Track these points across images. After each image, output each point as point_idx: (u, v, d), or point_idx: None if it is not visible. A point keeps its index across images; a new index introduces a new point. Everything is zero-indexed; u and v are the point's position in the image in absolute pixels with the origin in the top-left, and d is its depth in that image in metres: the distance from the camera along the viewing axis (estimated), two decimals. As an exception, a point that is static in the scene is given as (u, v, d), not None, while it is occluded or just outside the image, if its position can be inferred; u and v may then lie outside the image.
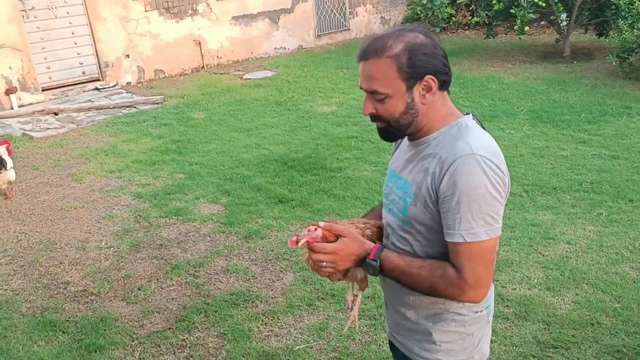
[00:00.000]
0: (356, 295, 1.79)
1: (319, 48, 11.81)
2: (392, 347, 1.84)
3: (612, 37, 9.22)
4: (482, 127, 1.56)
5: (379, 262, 1.53)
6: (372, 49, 1.52)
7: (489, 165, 1.44)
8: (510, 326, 3.23)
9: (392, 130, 1.57)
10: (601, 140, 5.86)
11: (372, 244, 1.56)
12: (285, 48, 11.68)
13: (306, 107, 7.82)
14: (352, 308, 1.78)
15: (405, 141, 1.69)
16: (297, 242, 1.49)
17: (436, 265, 1.51)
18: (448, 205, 1.45)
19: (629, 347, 3.02)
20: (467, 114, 1.59)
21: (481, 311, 1.63)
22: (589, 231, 4.19)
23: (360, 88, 1.56)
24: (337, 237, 1.54)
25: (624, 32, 7.90)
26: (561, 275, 3.67)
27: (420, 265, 1.52)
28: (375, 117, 1.56)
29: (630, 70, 8.05)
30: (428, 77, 1.50)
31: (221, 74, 10.19)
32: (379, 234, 1.71)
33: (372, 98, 1.54)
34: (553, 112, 6.84)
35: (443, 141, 1.52)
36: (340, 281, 1.66)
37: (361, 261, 1.55)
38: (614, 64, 8.20)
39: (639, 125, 6.19)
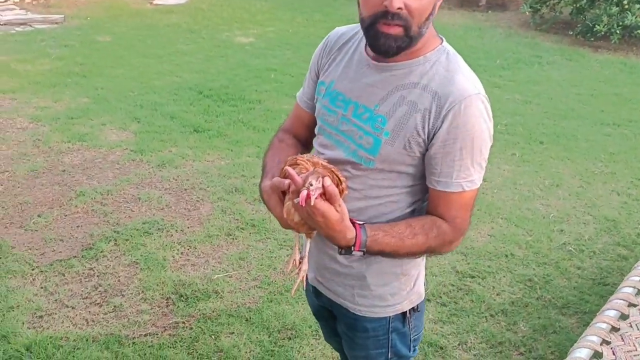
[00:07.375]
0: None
1: (235, -22, 11.21)
2: (317, 293, 1.58)
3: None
4: None
5: (365, 251, 1.25)
6: None
7: (488, 106, 1.28)
8: (428, 257, 3.26)
9: (404, 40, 1.23)
10: (515, 86, 6.04)
11: (353, 229, 1.22)
12: (199, -25, 10.97)
13: (222, 37, 7.43)
14: (300, 263, 1.37)
15: (355, 56, 1.38)
16: (308, 198, 1.11)
17: (427, 224, 1.30)
18: (447, 151, 1.24)
19: (539, 276, 3.15)
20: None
21: None
22: (504, 170, 4.32)
23: None
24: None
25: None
26: (478, 210, 3.75)
27: (412, 233, 1.28)
28: (397, 16, 1.19)
29: (541, 22, 8.32)
30: None
31: (129, -3, 9.44)
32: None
33: None
34: (470, 56, 6.91)
35: (432, 71, 1.27)
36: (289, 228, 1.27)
37: (336, 242, 1.23)
38: (528, 14, 8.42)
39: (549, 74, 6.44)
